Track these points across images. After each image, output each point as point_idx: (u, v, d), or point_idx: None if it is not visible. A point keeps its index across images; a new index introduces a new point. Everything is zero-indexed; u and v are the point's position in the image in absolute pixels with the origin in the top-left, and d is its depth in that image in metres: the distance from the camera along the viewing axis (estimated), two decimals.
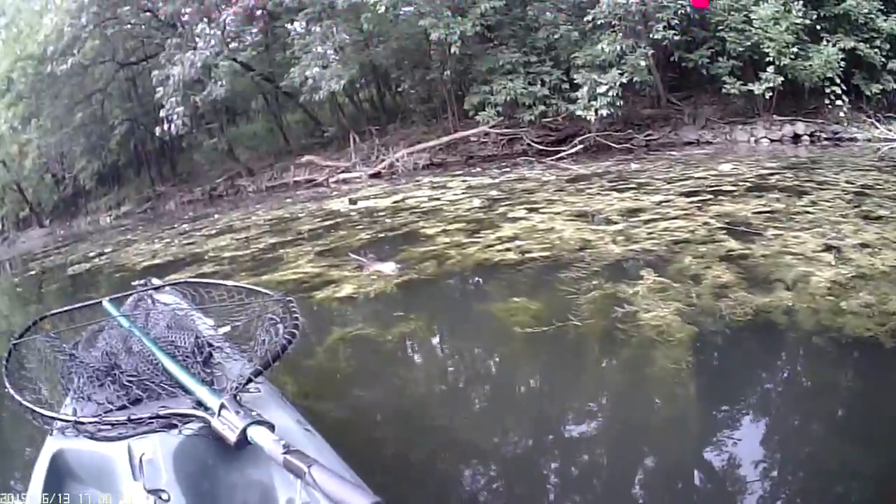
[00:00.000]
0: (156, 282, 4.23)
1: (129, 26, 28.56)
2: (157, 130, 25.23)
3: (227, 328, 3.38)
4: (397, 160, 23.19)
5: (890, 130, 17.51)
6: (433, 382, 5.26)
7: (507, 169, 18.48)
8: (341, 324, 6.39)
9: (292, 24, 25.07)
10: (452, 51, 20.20)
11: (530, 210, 10.95)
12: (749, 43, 18.23)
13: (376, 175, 22.92)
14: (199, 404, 2.26)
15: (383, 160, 23.55)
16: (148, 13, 28.01)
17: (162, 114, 23.92)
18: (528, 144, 21.53)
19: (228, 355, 2.95)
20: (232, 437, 2.04)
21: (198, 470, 2.15)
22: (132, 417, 2.20)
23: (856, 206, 8.59)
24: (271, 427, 2.06)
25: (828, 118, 18.48)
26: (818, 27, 18.08)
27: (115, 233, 21.71)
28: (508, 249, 8.32)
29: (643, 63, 18.72)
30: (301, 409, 2.92)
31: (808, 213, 8.42)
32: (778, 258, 6.50)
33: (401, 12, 21.96)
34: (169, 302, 3.74)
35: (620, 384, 4.68)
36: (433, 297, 7.33)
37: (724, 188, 10.90)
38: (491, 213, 11.32)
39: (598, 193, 12.03)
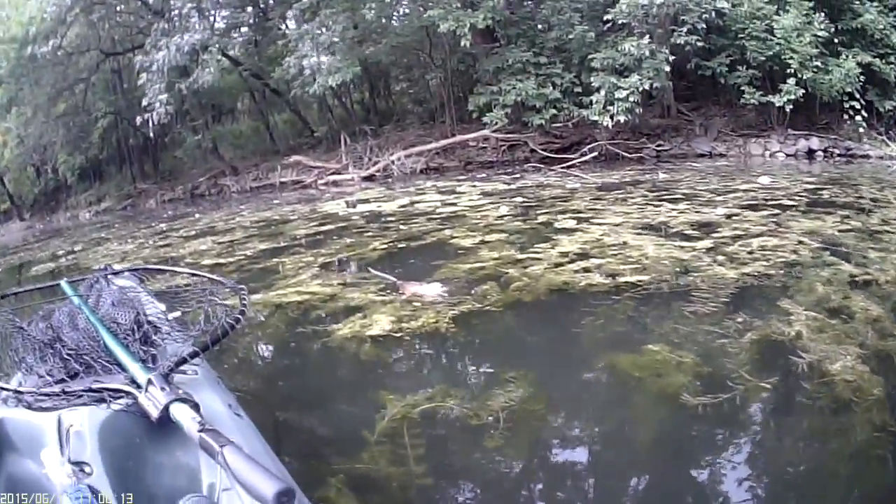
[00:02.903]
0: (116, 267, 3.98)
1: (116, 14, 26.52)
2: (139, 120, 23.01)
3: (178, 313, 3.08)
4: (393, 163, 21.17)
5: None
6: None
7: (517, 175, 16.62)
8: (392, 386, 4.05)
9: (284, 19, 23.41)
10: (462, 44, 18.11)
11: (580, 221, 8.92)
12: (770, 53, 16.92)
13: (369, 178, 20.92)
14: (133, 381, 2.15)
15: (377, 162, 21.56)
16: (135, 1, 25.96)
17: (144, 102, 21.61)
18: (532, 151, 19.70)
19: (169, 336, 2.71)
20: (154, 413, 1.95)
21: (123, 445, 1.99)
22: (66, 390, 2.16)
23: None
24: (196, 406, 1.96)
25: (840, 134, 17.69)
26: (835, 40, 17.12)
27: (91, 229, 19.60)
28: (587, 270, 6.13)
29: (667, 68, 16.76)
30: (236, 395, 2.67)
31: (889, 232, 7.41)
32: None
33: (404, 2, 19.92)
34: (125, 286, 3.49)
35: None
36: (516, 339, 5.04)
37: (783, 202, 9.66)
38: (531, 223, 9.31)
39: (648, 204, 10.22)
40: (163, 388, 1.98)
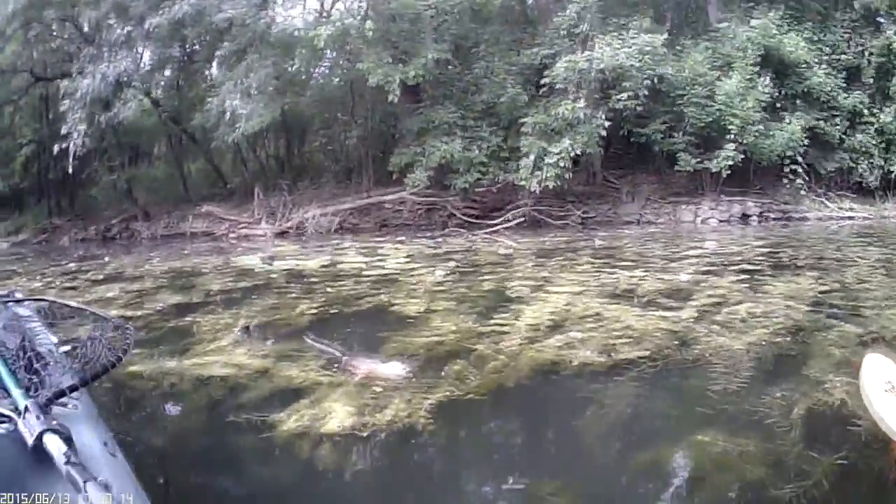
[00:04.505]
0: (18, 295, 3.81)
1: (51, 36, 25.56)
2: (56, 148, 21.79)
3: (69, 347, 2.94)
4: (307, 220, 20.04)
5: (842, 208, 17.66)
6: None
7: (439, 238, 15.81)
8: None
9: (209, 63, 22.69)
10: (390, 99, 17.10)
11: (534, 288, 7.98)
12: (710, 119, 16.66)
13: (282, 234, 19.92)
14: (16, 407, 2.10)
15: (290, 219, 20.49)
16: (70, 23, 24.58)
17: (63, 130, 20.62)
18: (450, 215, 18.79)
19: (55, 367, 2.56)
20: (29, 441, 1.88)
21: (3, 468, 1.89)
22: None
23: None
24: (69, 440, 1.89)
25: (775, 197, 17.86)
26: (778, 105, 17.31)
27: (5, 261, 18.65)
28: (571, 346, 5.15)
29: (602, 133, 16.16)
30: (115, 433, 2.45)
31: (870, 289, 7.50)
32: None
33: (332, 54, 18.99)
34: (22, 314, 3.44)
35: None
36: (523, 438, 3.95)
37: (744, 266, 9.52)
38: (478, 290, 8.31)
39: (599, 270, 9.55)
40: (38, 417, 1.95)
